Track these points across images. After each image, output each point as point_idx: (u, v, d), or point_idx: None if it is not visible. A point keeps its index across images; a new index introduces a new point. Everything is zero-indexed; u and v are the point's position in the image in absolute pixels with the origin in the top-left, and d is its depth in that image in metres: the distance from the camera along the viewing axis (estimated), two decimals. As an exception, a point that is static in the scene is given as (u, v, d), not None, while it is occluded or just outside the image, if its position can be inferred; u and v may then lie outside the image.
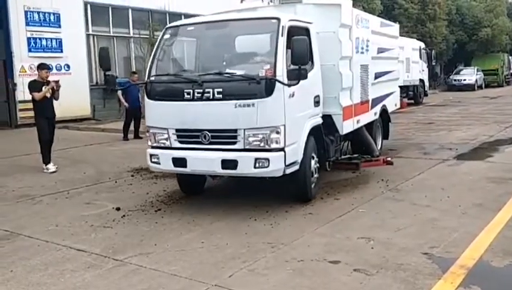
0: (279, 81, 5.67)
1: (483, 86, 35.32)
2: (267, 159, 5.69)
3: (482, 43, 37.86)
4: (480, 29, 37.20)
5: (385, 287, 4.01)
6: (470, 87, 32.63)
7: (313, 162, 6.54)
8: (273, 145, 5.75)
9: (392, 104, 10.72)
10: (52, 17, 16.30)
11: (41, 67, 9.09)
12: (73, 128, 14.97)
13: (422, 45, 23.52)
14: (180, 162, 6.07)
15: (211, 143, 5.94)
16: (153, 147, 6.36)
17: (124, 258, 4.78)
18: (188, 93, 5.96)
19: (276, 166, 5.75)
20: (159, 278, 4.31)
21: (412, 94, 22.15)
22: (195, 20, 7.35)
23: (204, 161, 5.96)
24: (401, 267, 4.36)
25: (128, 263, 4.66)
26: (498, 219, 5.61)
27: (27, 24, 15.67)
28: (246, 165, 5.75)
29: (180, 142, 6.16)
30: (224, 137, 5.90)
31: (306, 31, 6.55)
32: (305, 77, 5.91)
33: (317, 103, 6.72)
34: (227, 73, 6.05)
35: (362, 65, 8.20)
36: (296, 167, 6.04)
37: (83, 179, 8.41)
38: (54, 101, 9.15)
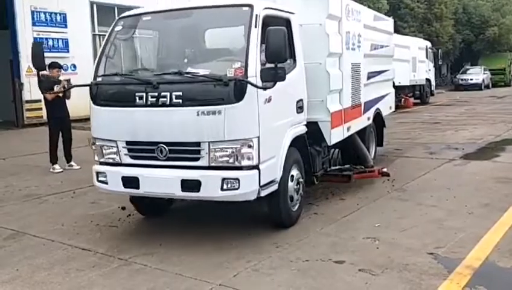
0: (251, 84, 4.63)
1: (490, 85, 35.09)
2: (237, 180, 4.66)
3: (489, 42, 37.64)
4: (487, 28, 36.98)
5: (390, 287, 3.99)
6: (476, 87, 32.43)
7: (294, 179, 5.51)
8: (245, 162, 4.71)
9: (387, 107, 9.73)
10: (58, 17, 16.35)
11: (53, 66, 8.96)
12: (79, 128, 15.01)
13: (429, 44, 23.42)
14: (131, 182, 4.99)
15: (168, 159, 4.89)
16: (100, 163, 5.29)
17: (128, 257, 4.80)
18: (140, 98, 4.89)
19: (248, 187, 4.71)
20: (164, 277, 4.31)
21: (418, 94, 22.06)
22: (153, 9, 5.88)
23: (160, 181, 4.89)
24: (406, 268, 4.34)
25: (133, 263, 4.67)
26: (505, 219, 5.57)
27: (33, 24, 15.72)
28: (211, 187, 4.70)
29: (132, 157, 5.08)
30: (184, 152, 4.85)
31: (286, 22, 5.50)
32: (283, 78, 4.77)
33: (300, 109, 5.67)
34: (188, 73, 4.94)
35: (353, 63, 7.19)
36: (274, 187, 5.05)
37: (88, 179, 8.40)
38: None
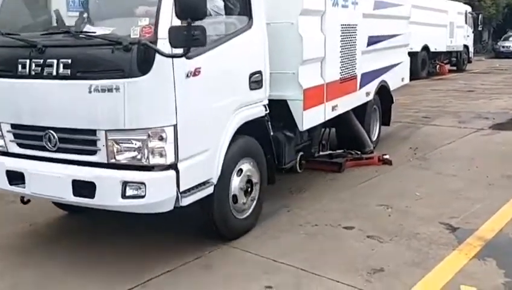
0: (156, 50, 3.30)
1: (534, 53, 33.57)
2: (143, 184, 3.44)
3: (535, 8, 35.87)
4: (533, -7, 35.17)
5: (396, 254, 3.96)
6: (518, 54, 31.11)
7: (242, 177, 4.26)
8: (155, 160, 3.46)
9: (397, 78, 8.03)
10: None
11: None
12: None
13: (469, 9, 22.48)
14: (17, 178, 3.84)
15: (59, 150, 3.69)
16: None
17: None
18: (24, 66, 3.64)
19: (158, 195, 3.49)
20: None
21: (454, 60, 21.36)
22: None
23: (48, 180, 3.70)
24: (416, 236, 4.29)
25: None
26: (526, 192, 5.42)
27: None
28: (109, 193, 3.51)
29: (19, 145, 3.90)
30: (77, 142, 3.62)
31: None
32: (201, 43, 3.34)
33: (256, 84, 4.34)
34: (80, 32, 3.64)
35: (345, 25, 5.79)
36: (207, 191, 3.82)
37: None
38: None
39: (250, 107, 4.30)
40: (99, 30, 3.63)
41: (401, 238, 4.27)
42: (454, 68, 21.51)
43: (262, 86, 4.43)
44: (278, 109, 4.77)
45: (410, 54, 15.57)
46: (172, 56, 3.35)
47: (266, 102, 4.51)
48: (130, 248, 4.16)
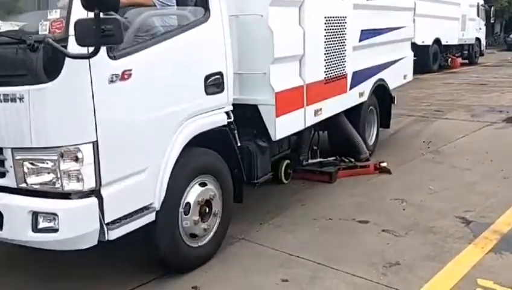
0: (62, 51, 2.66)
1: (546, 46, 33.17)
2: (55, 216, 2.84)
3: (548, 0, 35.39)
4: (546, -16, 34.70)
5: (412, 248, 3.96)
6: (531, 47, 30.79)
7: (196, 198, 3.59)
8: (70, 186, 2.84)
9: (398, 76, 7.26)
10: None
11: None
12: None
13: (481, 1, 22.21)
14: None
15: None
16: None
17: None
18: None
19: (75, 229, 2.87)
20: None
21: (466, 54, 21.16)
22: None
23: None
24: (431, 230, 4.29)
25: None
26: (541, 185, 5.39)
27: None
28: (18, 224, 2.93)
29: None
30: None
31: None
32: (116, 40, 2.67)
33: (215, 87, 3.70)
34: None
35: (331, 17, 5.10)
36: (147, 219, 3.21)
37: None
38: None
39: (207, 115, 3.65)
40: (4, 26, 3.06)
41: (416, 232, 4.27)
42: (466, 61, 21.30)
43: (223, 89, 3.77)
44: (251, 114, 4.22)
45: (422, 47, 15.75)
46: (77, 57, 2.67)
47: (229, 108, 3.86)
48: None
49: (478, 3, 21.50)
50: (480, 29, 22.12)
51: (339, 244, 4.09)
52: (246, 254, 3.98)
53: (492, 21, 25.04)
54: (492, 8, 24.13)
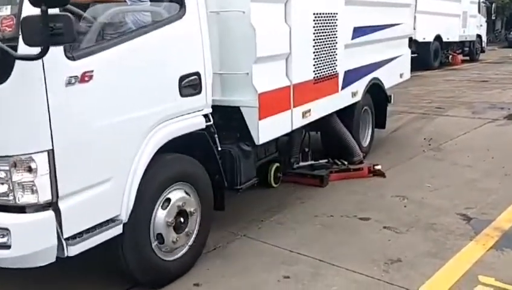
0: (8, 51, 2.45)
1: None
2: (7, 231, 2.62)
3: (549, -4, 35.28)
4: (548, -19, 34.59)
5: (413, 245, 3.97)
6: (532, 44, 30.72)
7: (170, 208, 3.34)
8: (24, 199, 2.63)
9: (394, 74, 6.98)
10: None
11: None
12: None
13: (482, -2, 22.23)
14: None
15: None
16: None
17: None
18: None
19: (30, 246, 2.66)
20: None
21: (467, 50, 21.13)
22: None
23: None
24: (432, 227, 4.30)
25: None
26: (542, 182, 5.39)
27: None
28: None
29: None
30: None
31: None
32: (68, 39, 2.48)
33: (192, 89, 3.48)
34: None
35: (320, 14, 4.84)
36: (114, 232, 2.99)
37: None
38: None
39: (182, 118, 3.40)
40: None
41: (418, 229, 4.28)
42: (467, 58, 21.27)
43: (201, 91, 3.53)
44: (234, 117, 4.00)
45: (423, 44, 15.73)
46: (24, 58, 2.44)
47: (208, 110, 3.63)
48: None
49: (479, 0, 21.47)
50: (481, 26, 22.10)
51: (340, 241, 4.09)
52: (248, 251, 3.98)
53: (493, 18, 25.01)
54: (493, 5, 24.10)
